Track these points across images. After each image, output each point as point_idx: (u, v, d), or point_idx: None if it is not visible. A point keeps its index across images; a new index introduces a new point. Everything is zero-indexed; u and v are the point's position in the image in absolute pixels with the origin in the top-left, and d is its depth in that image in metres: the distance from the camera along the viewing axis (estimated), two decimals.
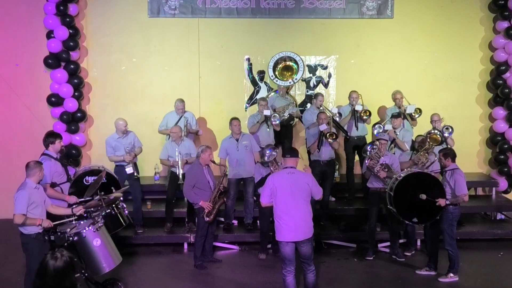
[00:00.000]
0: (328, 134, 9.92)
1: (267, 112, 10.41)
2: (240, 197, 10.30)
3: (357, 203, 10.81)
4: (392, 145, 9.98)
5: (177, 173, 9.72)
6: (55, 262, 3.93)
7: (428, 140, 9.45)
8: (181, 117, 10.53)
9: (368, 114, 10.67)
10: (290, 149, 7.76)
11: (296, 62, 11.19)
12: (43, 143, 8.48)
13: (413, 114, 10.59)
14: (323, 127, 9.91)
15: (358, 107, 10.65)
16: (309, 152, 10.71)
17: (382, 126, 10.01)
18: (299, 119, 11.48)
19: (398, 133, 10.06)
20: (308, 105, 11.89)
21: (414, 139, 10.15)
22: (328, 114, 10.36)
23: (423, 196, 8.30)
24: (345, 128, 10.78)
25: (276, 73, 11.14)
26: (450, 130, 10.02)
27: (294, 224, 7.01)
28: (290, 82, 11.21)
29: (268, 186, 7.16)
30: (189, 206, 9.95)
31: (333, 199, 10.87)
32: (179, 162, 9.68)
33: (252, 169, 9.92)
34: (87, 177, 8.66)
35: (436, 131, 9.69)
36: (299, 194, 7.06)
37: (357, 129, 10.73)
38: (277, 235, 7.16)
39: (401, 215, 8.62)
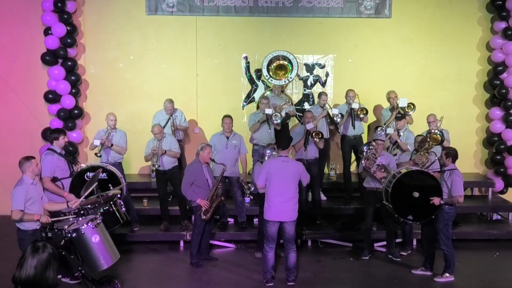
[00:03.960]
0: (314, 133, 9.92)
1: (269, 111, 10.41)
2: (229, 195, 10.28)
3: (354, 202, 10.83)
4: (394, 146, 9.97)
5: (154, 163, 9.72)
6: (38, 253, 3.92)
7: (428, 139, 9.45)
8: (170, 117, 10.57)
9: (365, 112, 10.68)
10: (281, 142, 8.44)
11: (290, 61, 11.18)
12: (48, 139, 8.53)
13: (406, 110, 10.57)
14: (310, 125, 9.91)
15: (355, 105, 10.66)
16: None
17: (384, 129, 9.92)
18: (296, 118, 11.50)
19: (402, 134, 10.02)
20: (306, 104, 11.92)
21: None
22: (326, 112, 10.54)
23: (416, 194, 8.33)
24: (342, 127, 10.83)
25: (270, 72, 11.15)
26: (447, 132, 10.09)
27: (282, 206, 7.96)
28: (284, 81, 11.22)
29: (265, 171, 8.08)
30: (180, 204, 9.97)
31: (325, 198, 10.87)
32: (158, 151, 9.68)
33: (236, 169, 10.05)
34: (88, 173, 8.69)
35: (436, 131, 9.68)
36: (290, 180, 8.02)
37: (353, 128, 10.74)
38: (266, 214, 8.10)
39: (397, 212, 8.62)
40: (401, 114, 10.27)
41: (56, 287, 4.02)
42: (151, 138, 10.01)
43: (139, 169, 11.74)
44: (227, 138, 10.03)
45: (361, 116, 10.68)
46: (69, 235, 6.92)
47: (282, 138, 8.54)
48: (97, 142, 9.69)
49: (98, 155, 9.72)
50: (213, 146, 9.84)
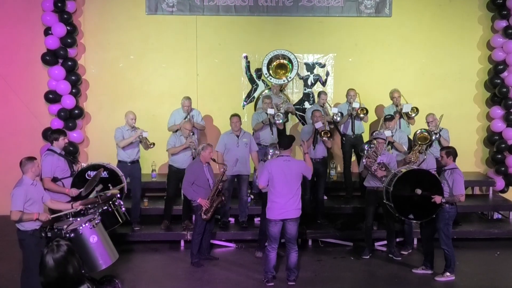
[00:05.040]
0: (322, 132, 9.93)
1: (271, 111, 10.43)
2: (234, 194, 10.29)
3: (354, 201, 10.82)
4: (389, 146, 9.96)
5: (194, 150, 9.78)
6: (53, 254, 3.92)
7: (417, 140, 9.45)
8: (187, 115, 10.52)
9: (365, 112, 10.67)
10: (283, 141, 8.41)
11: (290, 61, 11.18)
12: (48, 139, 8.55)
13: (409, 113, 10.58)
14: (318, 125, 9.92)
15: (355, 104, 10.64)
16: None
17: (381, 133, 9.89)
18: (296, 117, 11.49)
19: (393, 135, 10.02)
20: (306, 103, 11.92)
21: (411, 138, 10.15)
22: (327, 112, 10.47)
23: (418, 191, 8.32)
24: (342, 127, 10.83)
25: (270, 71, 11.14)
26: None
27: (284, 204, 7.95)
28: (284, 81, 11.21)
29: (266, 171, 8.04)
30: (184, 204, 9.96)
31: (325, 197, 10.85)
32: (193, 144, 9.79)
33: (247, 168, 10.05)
34: (89, 171, 8.68)
35: (422, 130, 9.65)
36: (292, 179, 7.99)
37: (353, 127, 10.73)
38: (268, 214, 8.10)
39: (397, 210, 8.60)
40: (390, 116, 10.20)
41: (82, 278, 3.99)
42: (175, 134, 10.09)
43: (142, 169, 11.71)
44: (237, 136, 10.05)
45: (361, 115, 10.67)
46: (68, 235, 6.92)
47: (283, 138, 8.55)
48: (146, 134, 9.81)
49: (151, 146, 9.86)
50: (224, 145, 9.98)
